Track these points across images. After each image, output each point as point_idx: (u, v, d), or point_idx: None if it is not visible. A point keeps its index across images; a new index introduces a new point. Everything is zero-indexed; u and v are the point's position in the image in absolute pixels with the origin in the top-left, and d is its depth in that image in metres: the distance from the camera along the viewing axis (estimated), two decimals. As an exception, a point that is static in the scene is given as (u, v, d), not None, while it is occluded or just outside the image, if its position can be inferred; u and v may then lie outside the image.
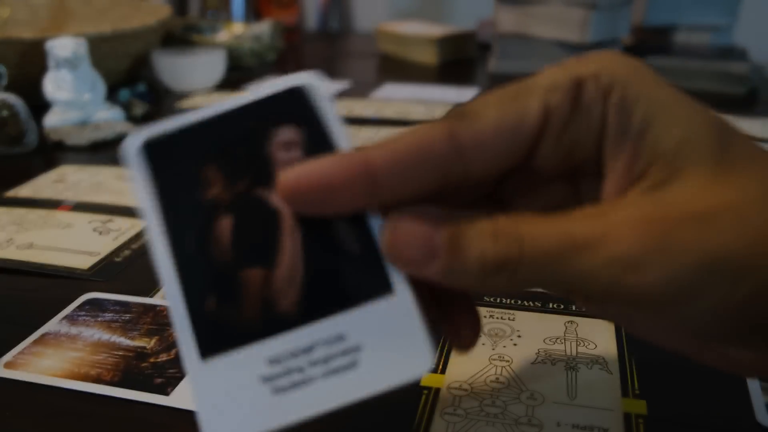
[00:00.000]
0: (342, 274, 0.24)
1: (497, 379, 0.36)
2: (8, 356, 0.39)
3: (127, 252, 0.51)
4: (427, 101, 0.94)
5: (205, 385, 0.24)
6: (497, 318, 0.42)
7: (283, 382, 0.24)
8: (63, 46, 0.78)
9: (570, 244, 0.22)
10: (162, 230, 0.26)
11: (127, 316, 0.42)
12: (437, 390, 0.35)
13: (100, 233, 0.54)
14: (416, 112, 0.88)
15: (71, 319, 0.42)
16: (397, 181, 0.23)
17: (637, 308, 0.25)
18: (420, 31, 1.24)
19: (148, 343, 0.39)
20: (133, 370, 0.37)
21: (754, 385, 0.36)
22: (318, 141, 0.26)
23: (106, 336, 0.40)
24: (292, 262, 0.24)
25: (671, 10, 1.13)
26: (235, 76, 1.09)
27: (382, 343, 0.24)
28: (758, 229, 0.22)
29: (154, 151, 0.27)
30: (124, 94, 0.90)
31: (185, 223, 0.25)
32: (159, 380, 0.36)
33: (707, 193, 0.22)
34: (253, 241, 0.25)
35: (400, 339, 0.24)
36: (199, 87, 0.99)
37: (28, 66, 0.83)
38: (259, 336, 0.24)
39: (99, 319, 0.42)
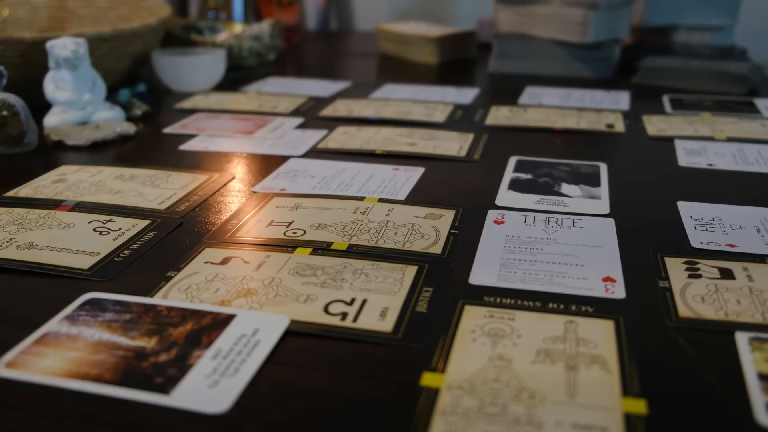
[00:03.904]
0: None
1: (497, 379, 0.36)
2: (9, 356, 0.39)
3: (127, 252, 0.51)
4: (427, 101, 0.94)
5: None
6: (497, 318, 0.42)
7: None
8: (63, 46, 0.78)
9: None
10: None
11: (127, 316, 0.42)
12: (437, 390, 0.35)
13: (100, 233, 0.54)
14: (416, 112, 0.88)
15: (71, 319, 0.42)
16: None
17: None
18: (420, 30, 1.24)
19: (148, 343, 0.39)
20: (133, 370, 0.37)
21: (754, 385, 0.36)
22: None
23: (106, 336, 0.40)
24: None
25: (671, 10, 1.13)
26: (235, 76, 1.09)
27: None
28: None
29: None
30: (124, 94, 0.90)
31: None
32: (159, 380, 0.36)
33: None
34: None
35: None
36: (199, 87, 0.99)
37: (28, 66, 0.83)
38: None
39: (99, 319, 0.42)
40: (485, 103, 0.94)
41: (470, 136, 0.79)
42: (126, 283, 0.47)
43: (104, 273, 0.48)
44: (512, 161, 0.70)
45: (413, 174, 0.67)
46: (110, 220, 0.56)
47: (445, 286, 0.46)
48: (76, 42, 0.78)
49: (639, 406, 0.34)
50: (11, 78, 0.79)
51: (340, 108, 0.90)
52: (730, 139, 0.77)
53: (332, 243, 0.52)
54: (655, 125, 0.82)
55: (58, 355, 0.39)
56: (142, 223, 0.55)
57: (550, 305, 0.43)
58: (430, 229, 0.54)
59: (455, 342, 0.39)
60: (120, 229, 0.54)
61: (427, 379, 0.36)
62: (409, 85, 1.04)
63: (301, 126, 0.83)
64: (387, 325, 0.41)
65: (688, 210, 0.58)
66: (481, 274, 0.47)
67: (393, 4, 1.58)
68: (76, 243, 0.52)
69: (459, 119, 0.86)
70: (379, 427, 0.33)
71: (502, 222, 0.56)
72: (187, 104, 0.92)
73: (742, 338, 0.40)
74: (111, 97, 0.87)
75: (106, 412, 0.34)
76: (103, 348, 0.39)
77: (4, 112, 0.71)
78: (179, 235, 0.54)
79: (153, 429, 0.33)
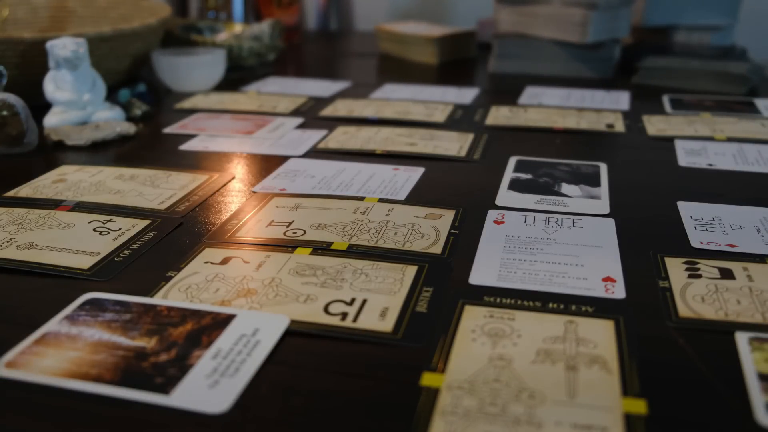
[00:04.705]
0: None
1: (497, 379, 0.36)
2: (9, 356, 0.39)
3: (127, 252, 0.51)
4: (427, 101, 0.94)
5: None
6: (497, 318, 0.42)
7: None
8: (63, 46, 0.78)
9: None
10: None
11: (127, 316, 0.42)
12: (437, 390, 0.35)
13: (100, 233, 0.54)
14: (416, 112, 0.88)
15: (71, 319, 0.42)
16: None
17: None
18: (420, 31, 1.24)
19: (148, 343, 0.39)
20: (133, 370, 0.37)
21: (754, 385, 0.36)
22: None
23: (106, 336, 0.40)
24: None
25: (671, 10, 1.13)
26: (235, 76, 1.09)
27: None
28: None
29: None
30: (124, 94, 0.90)
31: None
32: (159, 380, 0.36)
33: None
34: None
35: None
36: (199, 87, 0.99)
37: (28, 66, 0.83)
38: None
39: (99, 319, 0.42)
40: (485, 103, 0.94)
41: (470, 136, 0.79)
42: (126, 283, 0.47)
43: (104, 273, 0.48)
44: (512, 161, 0.70)
45: (413, 174, 0.67)
46: (110, 220, 0.56)
47: (445, 286, 0.46)
48: (76, 42, 0.78)
49: (639, 406, 0.34)
50: (11, 78, 0.79)
51: (340, 108, 0.90)
52: (730, 139, 0.77)
53: (332, 243, 0.52)
54: (655, 125, 0.82)
55: (58, 355, 0.39)
56: (142, 223, 0.55)
57: (550, 305, 0.43)
58: (430, 229, 0.54)
59: (455, 342, 0.39)
60: (120, 229, 0.54)
61: (427, 379, 0.36)
62: (409, 85, 1.04)
63: (301, 126, 0.83)
64: (387, 325, 0.41)
65: (688, 210, 0.58)
66: (481, 274, 0.47)
67: (393, 4, 1.58)
68: (76, 243, 0.52)
69: (459, 119, 0.86)
70: (379, 427, 0.33)
71: (502, 222, 0.56)
72: (187, 104, 0.92)
73: (742, 338, 0.40)
74: (111, 97, 0.87)
75: (106, 412, 0.34)
76: (103, 348, 0.39)
77: (4, 112, 0.71)
78: (179, 235, 0.54)
79: (153, 429, 0.33)
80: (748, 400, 0.35)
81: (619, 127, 0.82)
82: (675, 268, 0.48)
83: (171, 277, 0.47)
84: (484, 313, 0.42)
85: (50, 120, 0.79)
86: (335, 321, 0.42)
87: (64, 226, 0.55)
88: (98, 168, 0.68)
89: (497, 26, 1.14)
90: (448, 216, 0.57)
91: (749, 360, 0.38)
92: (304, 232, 0.54)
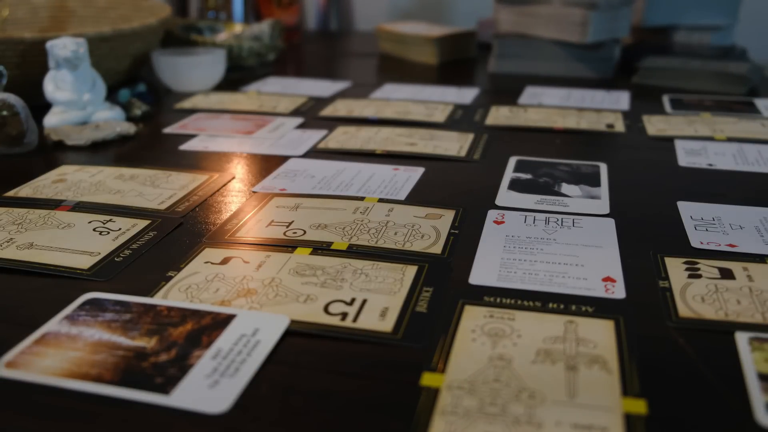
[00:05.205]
0: None
1: (497, 379, 0.36)
2: (9, 356, 0.39)
3: (127, 252, 0.51)
4: (427, 101, 0.94)
5: None
6: (497, 318, 0.42)
7: None
8: (63, 46, 0.78)
9: None
10: None
11: (127, 316, 0.42)
12: (437, 390, 0.35)
13: (100, 233, 0.54)
14: (416, 112, 0.88)
15: (71, 319, 0.42)
16: None
17: None
18: (420, 30, 1.24)
19: (148, 343, 0.39)
20: (133, 370, 0.37)
21: (754, 385, 0.36)
22: None
23: (106, 336, 0.40)
24: None
25: (671, 10, 1.13)
26: (235, 76, 1.09)
27: None
28: None
29: None
30: (124, 94, 0.90)
31: None
32: (159, 380, 0.36)
33: None
34: None
35: None
36: (199, 87, 0.99)
37: (28, 66, 0.83)
38: None
39: (99, 319, 0.42)
40: (485, 103, 0.94)
41: (470, 136, 0.79)
42: (126, 283, 0.47)
43: (104, 273, 0.48)
44: (512, 161, 0.70)
45: (413, 174, 0.67)
46: (110, 220, 0.56)
47: (445, 286, 0.46)
48: (76, 42, 0.78)
49: (639, 406, 0.34)
50: (11, 78, 0.79)
51: (340, 108, 0.90)
52: (730, 139, 0.77)
53: (332, 243, 0.52)
54: (655, 125, 0.82)
55: (58, 355, 0.39)
56: (142, 223, 0.55)
57: (550, 305, 0.43)
58: (430, 229, 0.54)
59: (455, 342, 0.39)
60: (120, 229, 0.54)
61: (427, 379, 0.36)
62: (409, 85, 1.04)
63: (301, 126, 0.83)
64: (387, 325, 0.41)
65: (688, 210, 0.58)
66: (481, 274, 0.47)
67: (393, 4, 1.58)
68: (76, 243, 0.52)
69: (459, 119, 0.86)
70: (379, 427, 0.33)
71: (502, 222, 0.56)
72: (187, 104, 0.92)
73: (742, 338, 0.40)
74: (111, 97, 0.87)
75: (106, 412, 0.34)
76: (103, 348, 0.39)
77: (4, 112, 0.71)
78: (179, 235, 0.54)
79: (153, 429, 0.33)
80: (748, 400, 0.35)
81: (619, 127, 0.82)
82: (675, 268, 0.48)
83: (171, 277, 0.47)
84: (484, 313, 0.42)
85: (50, 120, 0.79)
86: (335, 321, 0.42)
87: (64, 226, 0.55)
88: (98, 168, 0.68)
89: (497, 26, 1.14)
90: (448, 216, 0.57)
91: (749, 360, 0.38)
92: (304, 232, 0.54)
